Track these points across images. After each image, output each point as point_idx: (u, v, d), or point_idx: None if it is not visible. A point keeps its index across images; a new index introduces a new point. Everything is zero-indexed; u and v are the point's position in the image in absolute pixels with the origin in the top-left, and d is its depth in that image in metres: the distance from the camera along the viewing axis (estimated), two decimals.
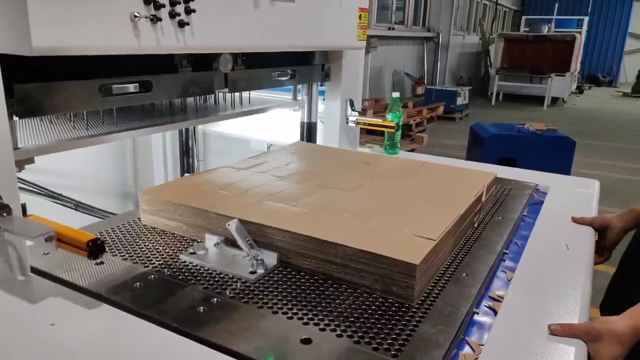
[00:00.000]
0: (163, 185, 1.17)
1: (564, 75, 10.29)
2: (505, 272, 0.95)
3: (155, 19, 0.87)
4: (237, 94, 1.57)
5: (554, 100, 10.47)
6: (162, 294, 0.80)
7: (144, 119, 1.26)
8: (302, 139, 1.84)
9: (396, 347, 0.68)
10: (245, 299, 0.79)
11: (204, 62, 1.19)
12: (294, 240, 0.88)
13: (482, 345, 0.72)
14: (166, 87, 1.12)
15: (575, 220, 1.20)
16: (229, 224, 0.89)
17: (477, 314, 0.80)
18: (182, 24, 0.93)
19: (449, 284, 0.86)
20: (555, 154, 3.92)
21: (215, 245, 0.93)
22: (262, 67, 1.41)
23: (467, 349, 0.72)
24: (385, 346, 0.69)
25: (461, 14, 11.06)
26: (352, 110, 1.80)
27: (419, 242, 0.85)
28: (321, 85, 1.80)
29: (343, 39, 1.54)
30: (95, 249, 0.70)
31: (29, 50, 0.72)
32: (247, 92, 1.57)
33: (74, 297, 0.78)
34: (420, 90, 9.17)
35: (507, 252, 1.03)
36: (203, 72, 1.20)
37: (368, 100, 7.02)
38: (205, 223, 0.97)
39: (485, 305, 0.83)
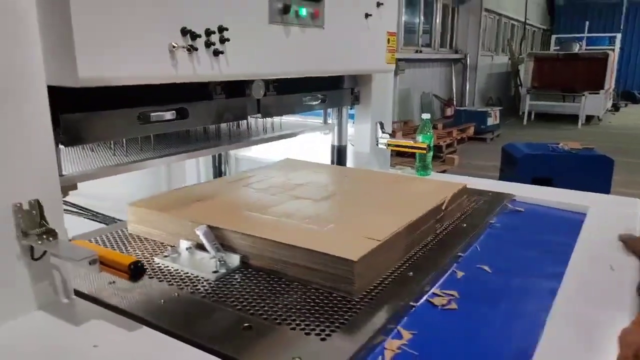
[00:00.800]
0: (150, 198, 1.22)
1: (597, 93, 10.05)
2: (455, 272, 1.02)
3: (191, 49, 0.91)
4: (268, 119, 1.61)
5: (589, 118, 10.22)
6: (132, 289, 0.88)
7: (180, 144, 1.30)
8: (332, 162, 1.86)
9: (326, 333, 0.77)
10: (204, 294, 0.88)
11: (237, 88, 1.23)
12: (253, 243, 0.97)
13: (414, 333, 0.79)
14: (201, 114, 1.15)
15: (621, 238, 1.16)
16: (197, 230, 0.98)
17: (414, 307, 0.87)
18: (216, 53, 0.97)
19: (394, 281, 0.93)
20: (592, 173, 3.81)
21: (187, 249, 1.01)
22: (293, 93, 1.44)
23: (397, 336, 0.79)
24: (317, 332, 0.77)
25: (489, 35, 11.02)
26: (383, 132, 1.81)
27: (364, 242, 0.92)
28: (351, 109, 1.82)
29: (372, 62, 1.56)
30: (136, 271, 0.72)
31: (76, 82, 0.75)
32: (279, 116, 1.60)
33: (113, 318, 0.80)
34: (449, 111, 9.11)
35: (462, 255, 1.09)
36: (236, 98, 1.23)
37: (397, 122, 7.02)
38: (180, 230, 1.06)
39: (428, 300, 0.90)
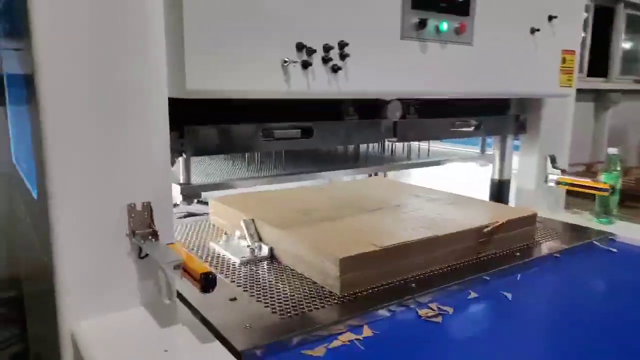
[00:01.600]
0: (231, 195, 1.35)
1: None
2: (470, 292, 0.96)
3: (305, 64, 0.89)
4: (415, 145, 1.51)
5: None
6: None
7: (315, 163, 1.29)
8: (491, 198, 1.65)
9: (290, 315, 0.84)
10: (223, 273, 1.02)
11: (372, 109, 1.17)
12: (276, 237, 1.10)
13: (376, 333, 0.80)
14: (328, 133, 1.12)
15: None
16: (242, 221, 1.14)
17: (394, 312, 0.88)
18: (335, 69, 0.93)
19: (390, 288, 0.95)
20: None
21: (238, 237, 1.17)
22: (440, 116, 1.32)
23: (358, 332, 0.80)
24: (282, 312, 0.84)
25: None
26: (554, 167, 1.54)
27: (364, 246, 0.96)
28: (516, 139, 1.60)
29: (538, 85, 1.35)
30: (206, 282, 0.70)
31: (183, 93, 0.79)
32: (425, 142, 1.49)
33: (194, 326, 0.81)
34: None
35: (488, 279, 1.02)
36: (368, 120, 1.17)
37: (603, 162, 6.05)
38: (236, 221, 1.20)
39: (415, 311, 0.89)
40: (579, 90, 1.56)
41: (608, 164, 1.46)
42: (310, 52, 0.89)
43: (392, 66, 1.02)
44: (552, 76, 1.36)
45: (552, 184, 1.53)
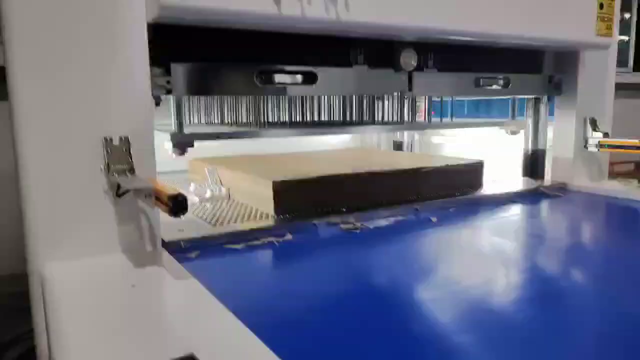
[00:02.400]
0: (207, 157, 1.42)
1: None
2: (396, 215, 1.06)
3: None
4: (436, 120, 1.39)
5: None
6: None
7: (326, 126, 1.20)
8: (524, 171, 1.51)
9: (222, 224, 0.95)
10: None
11: (383, 56, 1.08)
12: (230, 178, 1.21)
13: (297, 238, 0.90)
14: (333, 80, 1.03)
15: None
16: (206, 168, 1.26)
17: (318, 225, 0.97)
18: None
19: (323, 212, 1.03)
20: None
21: (205, 186, 1.23)
22: (462, 71, 1.21)
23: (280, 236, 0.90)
24: (218, 223, 0.96)
25: None
26: (595, 131, 1.39)
27: (302, 176, 1.07)
28: (549, 101, 1.46)
29: (571, 31, 1.21)
30: (176, 204, 0.62)
31: (158, 8, 0.72)
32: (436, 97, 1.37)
33: (175, 269, 0.72)
34: None
35: (419, 208, 1.10)
36: (379, 69, 1.08)
37: None
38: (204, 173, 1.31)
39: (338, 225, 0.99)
40: (629, 86, 1.43)
41: None
42: None
43: None
44: (587, 23, 1.22)
45: (592, 149, 1.38)
